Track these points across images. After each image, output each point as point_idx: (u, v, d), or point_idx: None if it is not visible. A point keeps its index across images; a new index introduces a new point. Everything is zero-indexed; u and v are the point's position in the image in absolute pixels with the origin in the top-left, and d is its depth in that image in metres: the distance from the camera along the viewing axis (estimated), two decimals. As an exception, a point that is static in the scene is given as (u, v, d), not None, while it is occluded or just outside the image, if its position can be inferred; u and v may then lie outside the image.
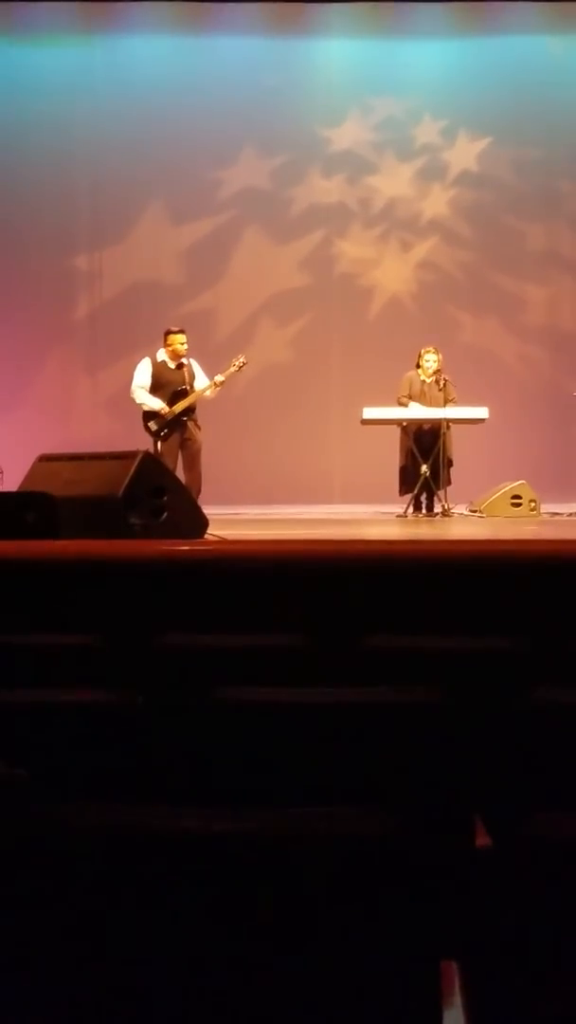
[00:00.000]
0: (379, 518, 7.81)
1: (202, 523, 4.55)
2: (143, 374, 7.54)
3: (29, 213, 10.06)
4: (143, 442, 7.46)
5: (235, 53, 10.11)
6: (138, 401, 7.53)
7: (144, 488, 4.37)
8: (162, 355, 7.58)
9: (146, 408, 7.51)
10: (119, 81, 10.13)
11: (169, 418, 7.43)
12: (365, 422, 7.98)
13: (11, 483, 6.53)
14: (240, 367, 7.62)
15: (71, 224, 10.21)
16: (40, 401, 10.07)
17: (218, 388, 7.50)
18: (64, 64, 10.08)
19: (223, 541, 4.22)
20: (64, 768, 1.80)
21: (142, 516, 4.32)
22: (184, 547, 3.76)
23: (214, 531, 4.53)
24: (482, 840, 1.77)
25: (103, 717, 1.91)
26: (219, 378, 7.47)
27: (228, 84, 10.05)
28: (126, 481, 4.30)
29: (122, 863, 1.23)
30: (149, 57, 10.14)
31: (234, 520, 6.65)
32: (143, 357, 7.72)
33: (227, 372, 7.53)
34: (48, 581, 3.33)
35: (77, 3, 9.98)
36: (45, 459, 5.01)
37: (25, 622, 3.02)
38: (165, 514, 4.40)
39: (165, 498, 4.44)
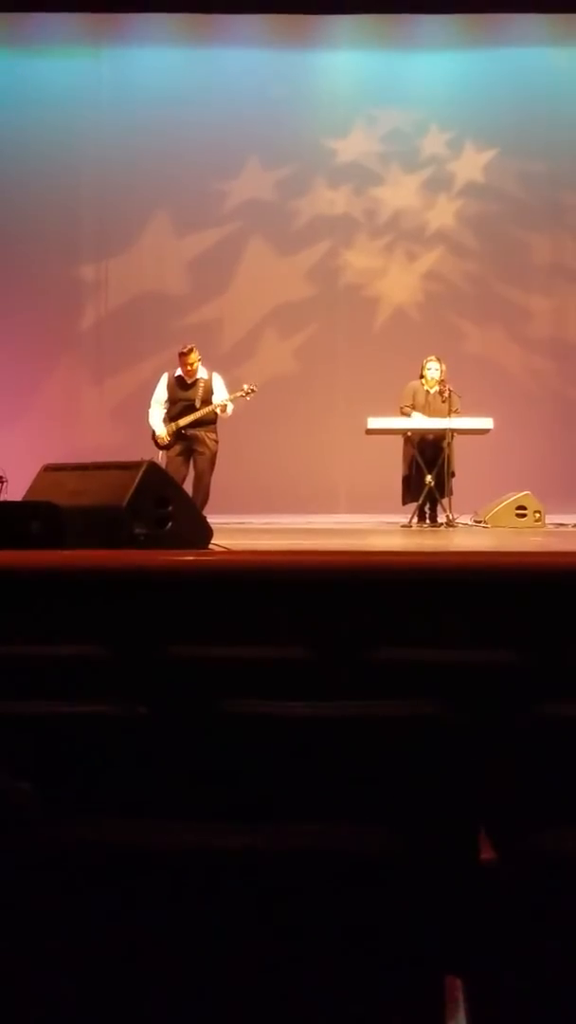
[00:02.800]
0: (383, 528, 7.81)
1: (206, 533, 4.55)
2: (160, 390, 7.88)
3: (35, 223, 10.09)
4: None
5: (240, 65, 10.15)
6: (149, 420, 7.84)
7: (148, 498, 4.37)
8: (179, 371, 7.83)
9: (151, 426, 7.82)
10: (124, 92, 10.17)
11: (161, 444, 7.73)
12: (370, 432, 7.99)
13: (16, 492, 6.54)
14: (247, 393, 7.79)
15: (77, 234, 10.24)
16: (46, 410, 10.09)
17: (225, 410, 7.71)
18: (70, 76, 10.12)
19: (227, 551, 4.21)
20: (68, 781, 1.79)
21: (146, 526, 4.31)
22: (188, 557, 3.76)
23: (218, 541, 4.53)
24: (487, 855, 1.76)
25: (106, 729, 1.90)
26: (226, 400, 7.67)
27: (233, 95, 10.08)
28: (130, 491, 4.30)
29: (125, 878, 1.22)
30: (154, 69, 10.18)
31: (239, 530, 6.65)
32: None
33: (234, 396, 7.76)
34: (52, 591, 3.33)
35: (83, 15, 10.02)
36: (50, 468, 5.02)
37: (28, 632, 3.02)
38: (169, 524, 4.39)
39: (169, 508, 4.43)
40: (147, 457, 5.33)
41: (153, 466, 4.63)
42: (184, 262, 10.29)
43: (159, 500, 4.41)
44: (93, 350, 10.28)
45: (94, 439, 9.74)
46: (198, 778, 1.87)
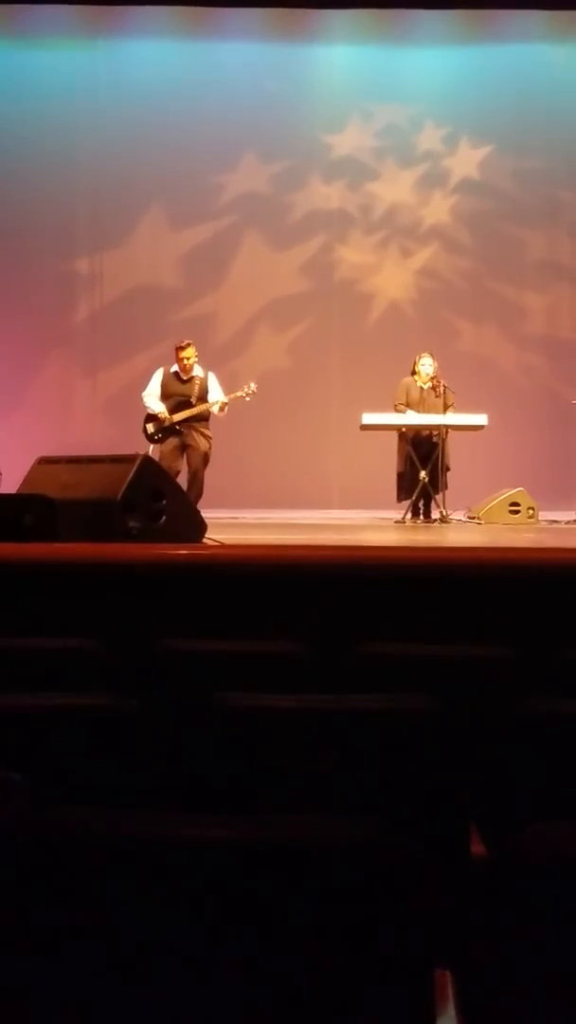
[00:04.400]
0: (377, 523, 7.81)
1: (200, 527, 4.55)
2: (153, 383, 7.87)
3: (30, 216, 10.07)
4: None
5: (237, 58, 10.13)
6: (144, 403, 7.85)
7: (142, 492, 4.36)
8: (176, 366, 7.84)
9: (148, 410, 7.80)
10: (121, 85, 10.15)
11: (166, 424, 7.69)
12: (364, 427, 8.00)
13: (10, 485, 6.53)
14: (247, 394, 7.84)
15: (72, 227, 10.22)
16: (40, 404, 10.08)
17: (223, 409, 7.73)
18: (66, 68, 10.10)
19: (221, 545, 4.21)
20: (61, 773, 1.79)
21: (140, 519, 4.31)
22: (182, 551, 3.76)
23: (212, 535, 4.53)
24: (477, 849, 1.77)
25: (100, 722, 1.91)
26: (223, 399, 7.71)
27: (230, 89, 10.06)
28: (125, 484, 4.29)
29: (119, 869, 1.23)
30: (151, 61, 10.16)
31: (232, 524, 6.66)
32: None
33: (233, 395, 7.81)
34: (46, 584, 3.33)
35: (80, 7, 10.00)
36: (44, 461, 5.01)
37: (22, 625, 3.02)
38: (163, 518, 4.39)
39: (163, 502, 4.43)
40: (140, 451, 5.34)
41: (148, 460, 4.62)
42: (179, 256, 10.28)
43: (153, 494, 4.41)
44: (87, 344, 10.27)
45: (87, 433, 9.74)
46: (190, 770, 1.87)
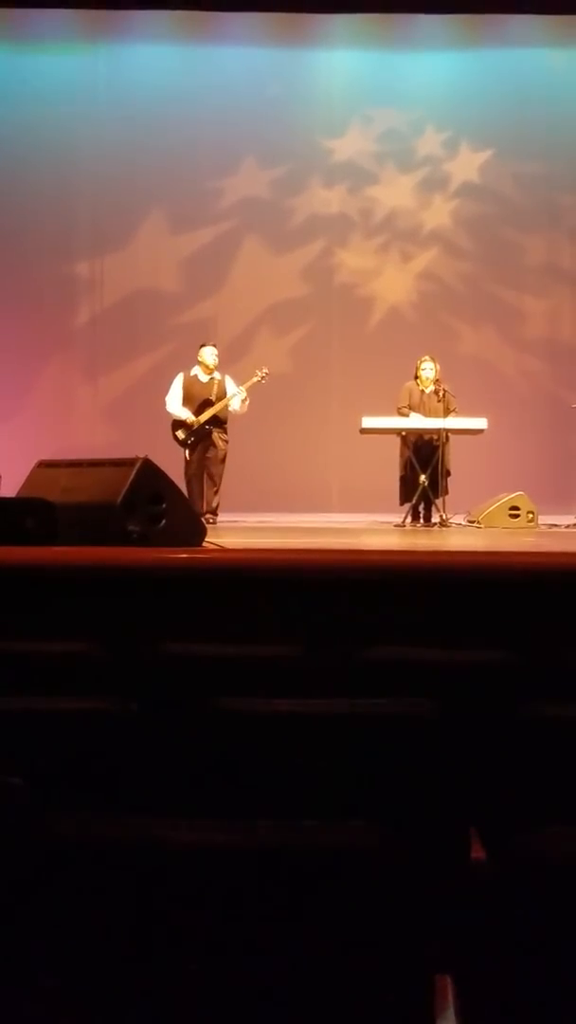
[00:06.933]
0: (377, 527, 7.81)
1: (200, 531, 4.54)
2: (174, 389, 8.09)
3: (31, 220, 10.08)
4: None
5: (238, 63, 10.15)
6: (168, 411, 8.05)
7: (142, 495, 4.36)
8: (196, 369, 8.06)
9: (174, 417, 8.01)
10: (121, 89, 10.16)
11: (195, 427, 7.91)
12: (364, 431, 8.00)
13: (10, 489, 6.53)
14: (262, 377, 8.04)
15: (72, 231, 10.24)
16: (40, 407, 10.08)
17: (245, 402, 7.95)
18: (67, 72, 10.12)
19: (220, 549, 4.21)
20: (60, 777, 1.79)
21: (140, 523, 4.30)
22: (182, 555, 3.76)
23: (212, 539, 4.52)
24: (477, 854, 1.77)
25: (99, 725, 1.90)
26: (242, 392, 7.94)
27: (230, 94, 10.08)
28: (124, 488, 4.28)
29: (117, 874, 1.23)
30: (152, 66, 10.18)
31: (232, 528, 6.66)
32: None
33: (249, 383, 7.99)
34: (45, 587, 3.33)
35: (80, 11, 10.01)
36: (44, 465, 5.00)
37: (22, 628, 3.02)
38: (163, 522, 4.39)
39: (163, 505, 4.42)
40: (140, 455, 5.33)
41: (147, 464, 4.61)
42: (179, 260, 10.29)
43: (153, 497, 4.41)
44: (87, 347, 10.27)
45: (88, 436, 9.74)
46: (189, 775, 1.87)
